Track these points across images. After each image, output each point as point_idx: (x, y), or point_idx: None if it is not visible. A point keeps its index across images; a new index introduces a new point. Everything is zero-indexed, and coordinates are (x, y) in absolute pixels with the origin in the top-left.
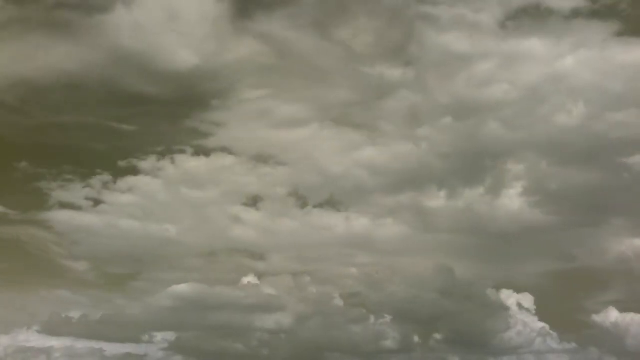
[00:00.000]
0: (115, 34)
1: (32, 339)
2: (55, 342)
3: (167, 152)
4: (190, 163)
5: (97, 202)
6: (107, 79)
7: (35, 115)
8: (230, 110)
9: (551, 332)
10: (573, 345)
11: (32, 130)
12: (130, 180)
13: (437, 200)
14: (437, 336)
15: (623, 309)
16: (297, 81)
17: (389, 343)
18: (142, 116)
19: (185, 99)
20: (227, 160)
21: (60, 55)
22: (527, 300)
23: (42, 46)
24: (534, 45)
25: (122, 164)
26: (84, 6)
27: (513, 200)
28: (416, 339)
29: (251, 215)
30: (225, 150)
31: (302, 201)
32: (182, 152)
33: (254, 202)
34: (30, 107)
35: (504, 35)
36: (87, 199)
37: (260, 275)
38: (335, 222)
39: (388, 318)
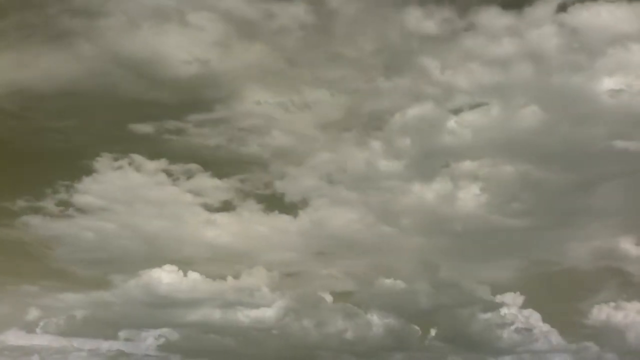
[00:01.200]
0: (116, 40)
1: (23, 338)
2: (46, 341)
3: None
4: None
5: (94, 205)
6: (108, 85)
7: (35, 121)
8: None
9: (549, 331)
10: (572, 344)
11: (31, 135)
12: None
13: (404, 201)
14: (433, 334)
15: (617, 306)
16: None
17: (383, 341)
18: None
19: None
20: (195, 165)
21: (61, 61)
22: (519, 299)
23: (42, 53)
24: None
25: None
26: (85, 13)
27: (472, 201)
28: (411, 337)
29: (224, 219)
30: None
31: (275, 205)
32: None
33: (226, 206)
34: (30, 113)
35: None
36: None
37: (242, 275)
38: (308, 225)
39: (381, 316)
